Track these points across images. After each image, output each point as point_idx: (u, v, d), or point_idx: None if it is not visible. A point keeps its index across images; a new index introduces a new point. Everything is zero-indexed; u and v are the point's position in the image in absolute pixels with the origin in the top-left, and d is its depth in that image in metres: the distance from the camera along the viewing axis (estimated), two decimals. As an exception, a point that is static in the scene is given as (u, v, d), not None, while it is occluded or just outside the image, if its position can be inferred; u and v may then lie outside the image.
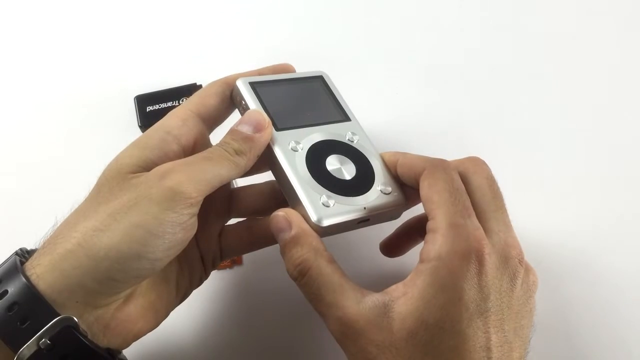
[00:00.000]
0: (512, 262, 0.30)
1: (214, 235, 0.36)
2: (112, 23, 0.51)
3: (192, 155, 0.31)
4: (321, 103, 0.38)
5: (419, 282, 0.28)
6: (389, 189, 0.34)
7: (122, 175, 0.31)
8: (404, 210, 0.35)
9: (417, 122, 0.47)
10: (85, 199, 0.31)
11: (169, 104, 0.47)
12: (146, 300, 0.31)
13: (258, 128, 0.33)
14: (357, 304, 0.29)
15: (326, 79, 0.39)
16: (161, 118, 0.46)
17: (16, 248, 0.41)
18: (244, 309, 0.40)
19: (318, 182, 0.33)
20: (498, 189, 0.32)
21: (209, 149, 0.32)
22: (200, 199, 0.30)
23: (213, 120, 0.36)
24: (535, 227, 0.43)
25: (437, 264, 0.28)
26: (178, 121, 0.34)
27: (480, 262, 0.28)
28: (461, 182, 0.31)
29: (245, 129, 0.33)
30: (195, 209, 0.30)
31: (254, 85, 0.37)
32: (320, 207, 0.32)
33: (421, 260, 0.29)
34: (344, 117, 0.37)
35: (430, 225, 0.30)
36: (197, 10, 0.52)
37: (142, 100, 0.47)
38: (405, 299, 0.28)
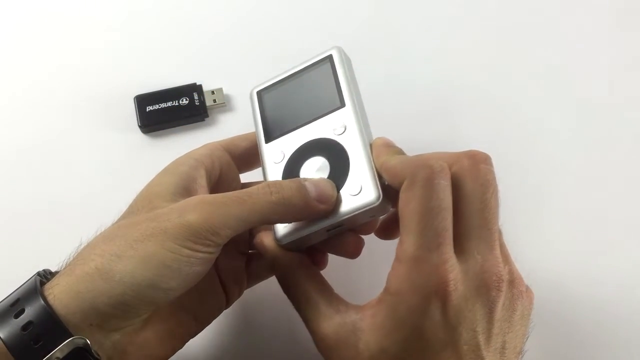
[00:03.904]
0: (485, 290, 0.28)
1: (238, 266, 0.36)
2: (112, 23, 0.51)
3: (225, 193, 0.30)
4: (319, 93, 0.35)
5: (382, 311, 0.28)
6: (358, 188, 0.31)
7: (149, 202, 0.31)
8: (386, 208, 0.31)
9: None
10: (112, 224, 0.31)
11: (169, 104, 0.47)
12: (165, 327, 0.31)
13: (321, 198, 0.30)
14: (328, 321, 0.30)
15: (335, 57, 0.35)
16: (161, 118, 0.46)
17: (13, 248, 0.42)
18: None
19: None
20: (491, 198, 0.29)
21: (248, 189, 0.30)
22: (221, 240, 0.29)
23: (241, 160, 0.37)
24: (534, 230, 0.43)
25: (397, 300, 0.28)
26: (206, 150, 0.35)
27: (444, 299, 0.27)
28: (445, 195, 0.28)
29: (310, 189, 0.30)
30: (214, 249, 0.29)
31: (260, 94, 0.37)
32: (284, 223, 0.32)
33: (385, 288, 0.29)
34: (340, 103, 0.34)
35: (397, 251, 0.29)
36: (197, 10, 0.52)
37: (142, 100, 0.47)
38: (371, 322, 0.29)
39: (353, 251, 0.33)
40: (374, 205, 0.30)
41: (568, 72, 0.49)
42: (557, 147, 0.47)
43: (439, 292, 0.27)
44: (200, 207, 0.29)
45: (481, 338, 0.28)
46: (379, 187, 0.30)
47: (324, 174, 0.32)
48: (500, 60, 0.50)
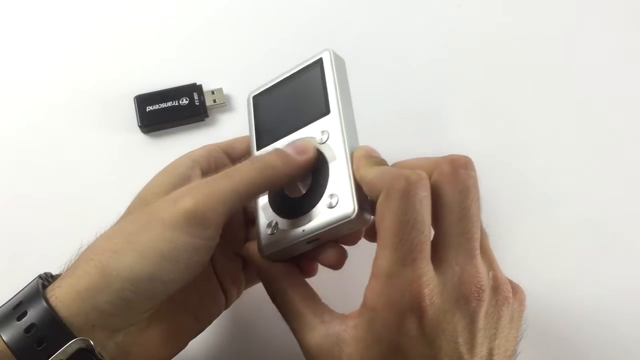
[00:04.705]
0: (464, 301, 0.28)
1: (235, 267, 0.36)
2: (112, 23, 0.51)
3: (212, 175, 0.30)
4: (307, 99, 0.35)
5: (361, 324, 0.28)
6: (335, 200, 0.30)
7: (145, 200, 0.32)
8: (365, 221, 0.30)
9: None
10: (112, 225, 0.32)
11: (169, 104, 0.47)
12: (168, 328, 0.31)
13: (299, 151, 0.31)
14: (312, 331, 0.30)
15: (325, 62, 0.35)
16: (161, 118, 0.46)
17: (14, 248, 0.42)
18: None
19: (271, 206, 0.33)
20: (472, 205, 0.28)
21: (232, 167, 0.31)
22: (218, 220, 0.29)
23: (238, 161, 0.36)
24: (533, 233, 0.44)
25: (372, 316, 0.28)
26: (204, 151, 0.35)
27: (419, 314, 0.27)
28: (422, 206, 0.27)
29: (286, 149, 0.32)
30: (213, 232, 0.29)
31: (256, 99, 0.37)
32: (266, 235, 0.32)
33: (363, 303, 0.29)
34: (325, 110, 0.33)
35: (373, 264, 0.28)
36: (197, 10, 0.52)
37: (142, 100, 0.47)
38: (353, 333, 0.29)
39: (335, 263, 0.32)
40: (349, 218, 0.30)
41: (569, 73, 0.49)
42: (554, 151, 0.47)
43: (414, 308, 0.27)
44: (193, 191, 0.29)
45: (463, 349, 0.28)
46: (356, 200, 0.30)
47: (306, 184, 0.32)
48: (499, 62, 0.50)
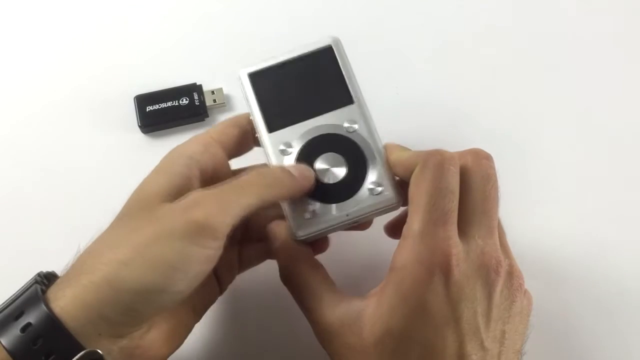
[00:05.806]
0: (485, 270, 0.30)
1: (231, 255, 0.36)
2: (112, 22, 0.51)
3: (220, 183, 0.31)
4: (324, 85, 0.35)
5: (387, 290, 0.29)
6: (380, 188, 0.33)
7: (147, 204, 0.30)
8: (400, 206, 0.33)
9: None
10: (110, 227, 0.31)
11: (169, 103, 0.47)
12: (168, 326, 0.31)
13: (303, 176, 0.33)
14: (332, 309, 0.31)
15: (335, 49, 0.35)
16: (161, 118, 0.46)
17: (13, 249, 0.42)
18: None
19: None
20: (492, 189, 0.31)
21: (242, 177, 0.31)
22: (226, 231, 0.29)
23: (232, 149, 0.36)
24: (536, 228, 0.43)
25: (402, 274, 0.29)
26: (200, 147, 0.34)
27: (446, 273, 0.28)
28: (453, 179, 0.30)
29: (292, 171, 0.33)
30: (222, 242, 0.29)
31: (253, 78, 0.35)
32: (300, 218, 0.33)
33: (390, 267, 0.30)
34: (347, 99, 0.34)
35: (404, 229, 0.30)
36: (197, 10, 0.52)
37: (142, 100, 0.47)
38: (376, 305, 0.30)
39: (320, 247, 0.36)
40: (393, 204, 0.33)
41: (569, 73, 0.49)
42: (554, 150, 0.47)
43: (442, 266, 0.28)
44: (203, 202, 0.29)
45: (481, 320, 0.29)
46: (397, 186, 0.33)
47: (342, 171, 0.33)
48: (499, 62, 0.50)
